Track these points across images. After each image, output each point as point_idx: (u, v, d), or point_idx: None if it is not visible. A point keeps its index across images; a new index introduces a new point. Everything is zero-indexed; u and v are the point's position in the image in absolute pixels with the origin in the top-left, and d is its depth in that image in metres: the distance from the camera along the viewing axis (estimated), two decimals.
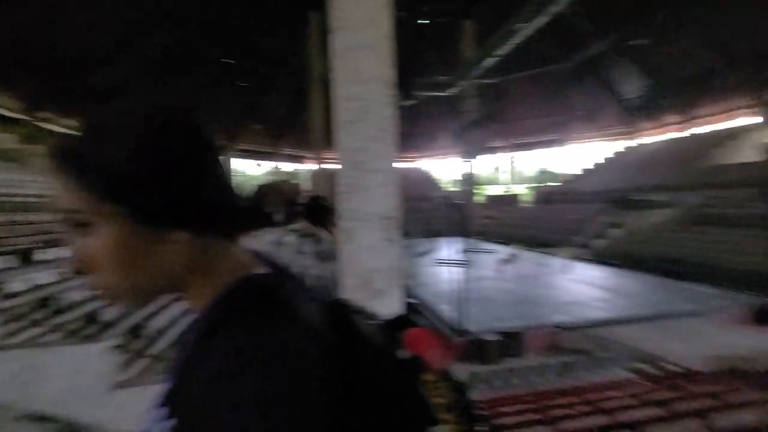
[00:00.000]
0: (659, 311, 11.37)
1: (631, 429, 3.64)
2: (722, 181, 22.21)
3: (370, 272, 5.68)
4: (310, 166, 43.03)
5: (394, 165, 6.07)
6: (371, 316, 0.51)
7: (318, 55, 28.20)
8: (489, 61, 23.31)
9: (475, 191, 37.26)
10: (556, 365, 8.02)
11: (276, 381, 0.32)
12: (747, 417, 3.67)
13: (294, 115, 39.90)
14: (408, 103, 19.13)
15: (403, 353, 0.46)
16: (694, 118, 31.50)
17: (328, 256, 24.64)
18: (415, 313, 12.69)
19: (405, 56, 18.99)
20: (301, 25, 30.30)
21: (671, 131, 33.57)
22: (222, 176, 0.44)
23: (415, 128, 42.54)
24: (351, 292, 5.81)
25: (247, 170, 43.92)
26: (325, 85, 25.67)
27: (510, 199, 42.86)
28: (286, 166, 45.90)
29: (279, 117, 39.58)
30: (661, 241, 19.45)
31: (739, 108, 28.05)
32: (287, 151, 43.68)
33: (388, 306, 5.82)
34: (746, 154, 25.42)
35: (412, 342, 0.51)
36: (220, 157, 0.45)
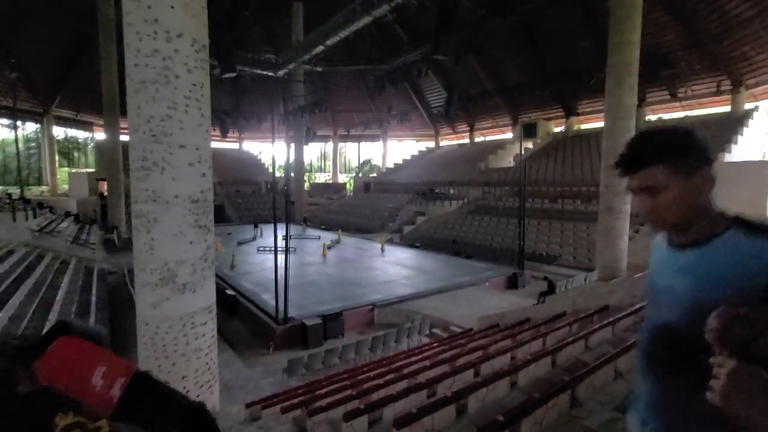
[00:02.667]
0: (449, 284, 13.89)
1: (427, 387, 4.24)
2: (492, 180, 28.73)
3: (175, 264, 4.86)
4: (99, 134, 34.49)
5: (208, 141, 5.32)
6: None
7: None
8: (318, 49, 23.37)
9: (302, 178, 37.26)
10: (370, 341, 8.79)
11: None
12: (501, 362, 4.81)
13: (74, 68, 31.00)
14: (229, 75, 17.34)
15: (27, 387, 0.31)
16: (478, 129, 39.66)
17: (122, 246, 20.37)
18: (233, 304, 11.78)
19: (227, 23, 17.14)
20: None
21: (462, 137, 41.32)
22: None
23: (240, 106, 39.31)
24: (148, 288, 4.87)
25: None
26: (120, 34, 20.68)
27: (336, 187, 44.66)
28: (60, 131, 35.32)
29: (51, 68, 30.00)
30: (451, 227, 23.81)
31: (505, 124, 36.78)
32: (63, 112, 33.66)
33: (198, 302, 5.14)
34: (508, 160, 33.64)
35: (54, 363, 0.34)
36: None
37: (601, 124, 20.40)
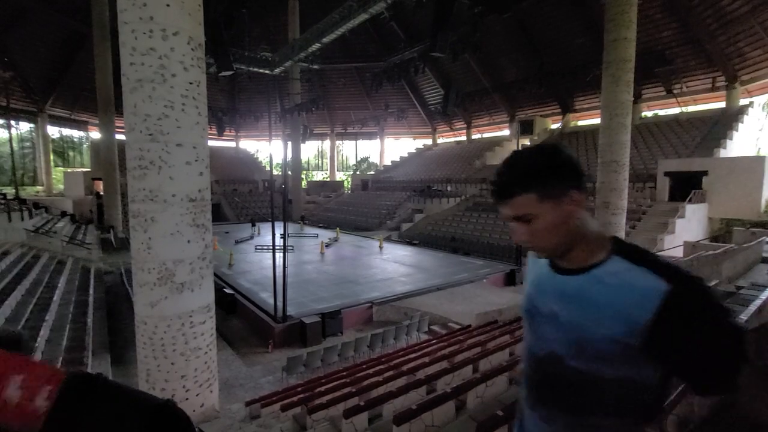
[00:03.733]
0: (447, 281, 13.93)
1: (427, 384, 4.26)
2: (490, 177, 28.75)
3: (173, 263, 4.86)
4: (94, 134, 34.27)
5: (205, 140, 5.31)
6: None
7: None
8: (315, 46, 23.28)
9: (300, 176, 37.19)
10: (369, 338, 8.81)
11: None
12: (499, 358, 4.84)
13: (69, 67, 30.75)
14: (226, 73, 17.25)
15: None
16: (475, 126, 39.68)
17: (119, 245, 20.29)
18: (231, 303, 11.78)
19: (224, 20, 17.02)
20: None
21: (460, 135, 41.33)
22: None
23: (237, 104, 39.16)
24: (146, 287, 4.86)
25: None
26: (114, 32, 20.48)
27: (334, 185, 44.62)
28: (54, 131, 34.98)
29: (44, 66, 29.74)
30: (449, 224, 23.84)
31: (502, 121, 36.82)
32: (58, 111, 33.39)
33: (197, 301, 5.14)
34: (505, 157, 33.66)
35: None
36: None
37: (597, 120, 20.49)
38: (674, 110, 25.93)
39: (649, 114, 27.45)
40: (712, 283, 5.78)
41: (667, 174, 18.62)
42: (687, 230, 15.91)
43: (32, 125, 32.54)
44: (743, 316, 3.31)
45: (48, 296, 10.06)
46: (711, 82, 23.31)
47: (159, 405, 0.38)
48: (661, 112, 27.23)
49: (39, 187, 33.07)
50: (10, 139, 27.44)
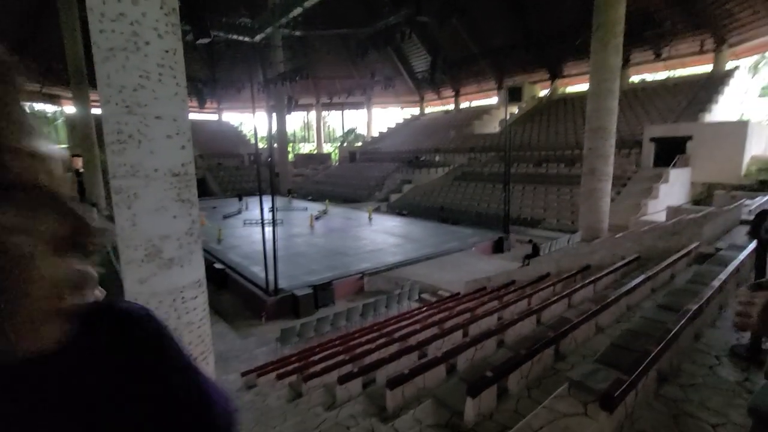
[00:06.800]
0: (437, 250, 14.12)
1: (418, 349, 4.38)
2: (477, 146, 28.65)
3: (159, 239, 4.79)
4: (69, 108, 32.79)
5: (186, 112, 5.11)
6: None
7: None
8: (296, 11, 22.24)
9: (286, 149, 36.49)
10: (360, 308, 8.98)
11: None
12: (488, 323, 5.00)
13: (34, 36, 28.93)
14: (204, 41, 16.44)
15: None
16: (463, 94, 39.03)
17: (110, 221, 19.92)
18: (222, 278, 11.80)
19: None
20: None
21: (447, 103, 40.70)
22: None
23: (217, 74, 37.62)
24: (134, 264, 4.81)
25: None
26: None
27: (321, 158, 43.97)
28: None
29: (7, 37, 27.89)
30: (438, 194, 23.91)
31: (490, 89, 36.26)
32: (28, 86, 31.60)
33: (187, 276, 5.12)
34: (494, 125, 33.46)
35: None
36: None
37: (586, 86, 20.30)
38: (662, 75, 25.83)
39: (636, 79, 27.30)
40: (693, 245, 5.96)
41: (652, 140, 18.77)
42: (670, 195, 16.25)
43: None
44: (722, 276, 3.43)
45: None
46: (699, 44, 23.14)
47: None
48: (649, 77, 27.10)
49: None
50: None
